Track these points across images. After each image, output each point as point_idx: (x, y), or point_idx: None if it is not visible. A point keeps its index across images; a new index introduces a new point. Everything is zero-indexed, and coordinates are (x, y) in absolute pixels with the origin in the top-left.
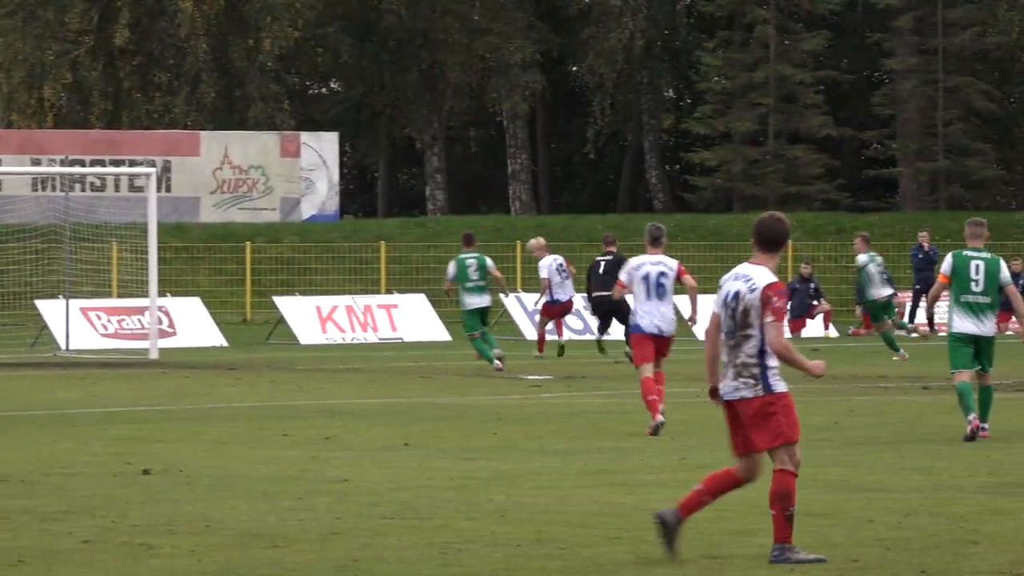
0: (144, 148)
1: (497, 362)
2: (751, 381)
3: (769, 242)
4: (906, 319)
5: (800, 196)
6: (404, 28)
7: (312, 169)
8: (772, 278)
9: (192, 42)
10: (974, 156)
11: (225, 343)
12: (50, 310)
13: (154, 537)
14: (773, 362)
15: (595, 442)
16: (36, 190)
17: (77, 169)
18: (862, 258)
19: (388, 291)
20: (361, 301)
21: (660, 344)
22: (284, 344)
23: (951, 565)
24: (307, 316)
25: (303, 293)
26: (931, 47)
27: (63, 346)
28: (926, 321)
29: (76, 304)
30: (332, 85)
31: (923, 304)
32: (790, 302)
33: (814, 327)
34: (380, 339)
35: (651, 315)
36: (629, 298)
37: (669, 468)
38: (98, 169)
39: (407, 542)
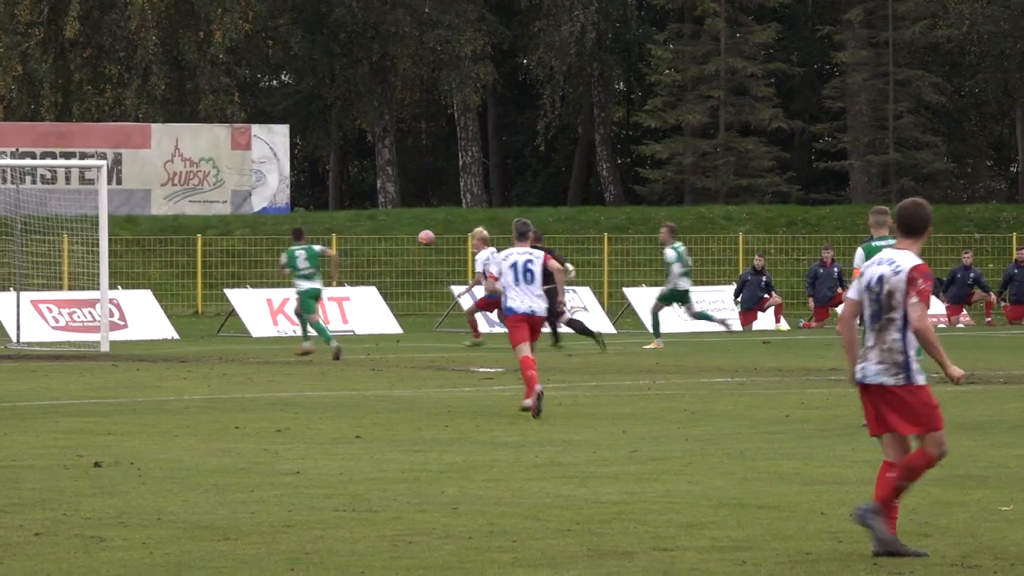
0: (95, 140)
1: (307, 344)
2: (894, 369)
3: (912, 227)
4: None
5: (751, 189)
6: (355, 20)
7: (263, 161)
8: (917, 261)
9: (142, 34)
10: (925, 149)
11: (176, 335)
12: (1, 303)
13: (105, 530)
14: (916, 352)
15: (546, 435)
16: None
17: (28, 162)
18: (670, 252)
19: (339, 284)
20: None
21: (533, 323)
22: (235, 336)
23: (903, 558)
24: (258, 308)
25: (254, 286)
26: (881, 40)
27: (14, 339)
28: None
29: (27, 296)
30: (283, 77)
31: None
32: (740, 295)
33: (765, 320)
34: (331, 331)
35: (522, 298)
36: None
37: (620, 461)
38: (49, 162)
39: (359, 534)
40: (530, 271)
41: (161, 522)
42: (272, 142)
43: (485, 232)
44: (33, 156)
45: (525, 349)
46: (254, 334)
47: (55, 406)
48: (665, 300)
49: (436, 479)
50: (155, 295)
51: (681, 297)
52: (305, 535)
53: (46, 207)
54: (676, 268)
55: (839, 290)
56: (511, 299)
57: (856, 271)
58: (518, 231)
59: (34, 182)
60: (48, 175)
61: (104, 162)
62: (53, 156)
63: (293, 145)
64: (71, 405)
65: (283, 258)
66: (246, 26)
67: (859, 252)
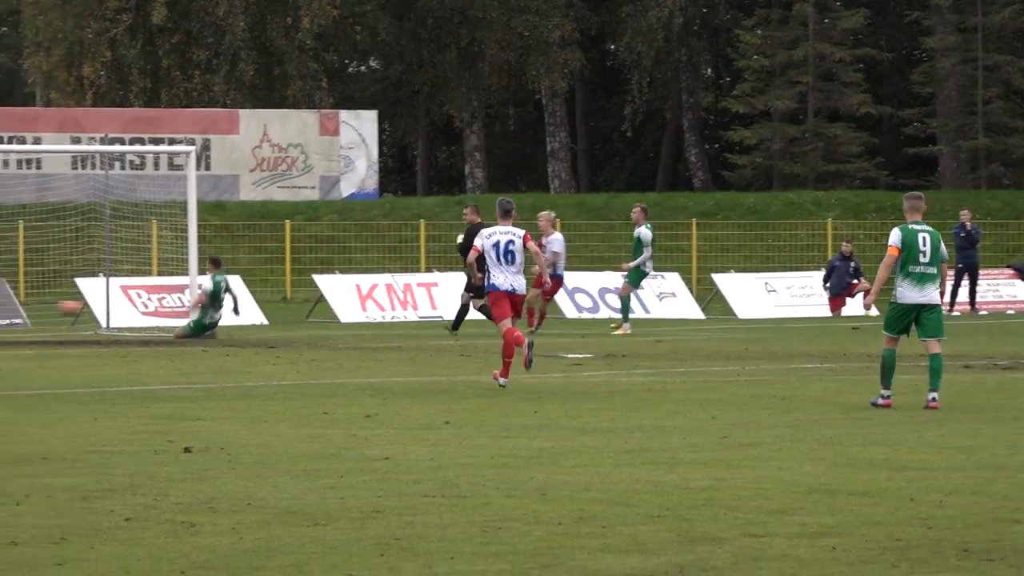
0: (183, 126)
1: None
2: None
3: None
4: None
5: (839, 174)
6: (442, 6)
7: (351, 147)
8: None
9: (230, 20)
10: (1014, 134)
11: (265, 321)
12: (91, 288)
13: (196, 515)
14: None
15: (636, 420)
16: (76, 168)
17: (116, 148)
18: (646, 233)
19: (428, 269)
20: (401, 279)
21: (514, 300)
22: (324, 322)
23: (994, 543)
24: (347, 294)
25: (343, 271)
26: (970, 25)
27: (104, 324)
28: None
29: (116, 282)
30: (371, 63)
31: (965, 283)
32: (829, 281)
33: (854, 305)
34: (420, 317)
35: (504, 275)
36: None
37: (709, 447)
38: (137, 148)
39: (448, 520)
40: (511, 252)
41: (251, 507)
42: (360, 128)
43: (552, 215)
44: (122, 142)
45: (508, 323)
46: (343, 320)
47: (145, 392)
48: (635, 282)
49: (525, 465)
50: (244, 280)
51: (640, 277)
52: (394, 521)
53: (135, 193)
54: (648, 251)
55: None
56: (494, 276)
57: (893, 249)
58: (502, 209)
59: (123, 168)
60: (137, 161)
61: (193, 148)
62: (142, 142)
63: (381, 131)
64: (161, 391)
65: (208, 285)
66: (334, 12)
67: (896, 232)
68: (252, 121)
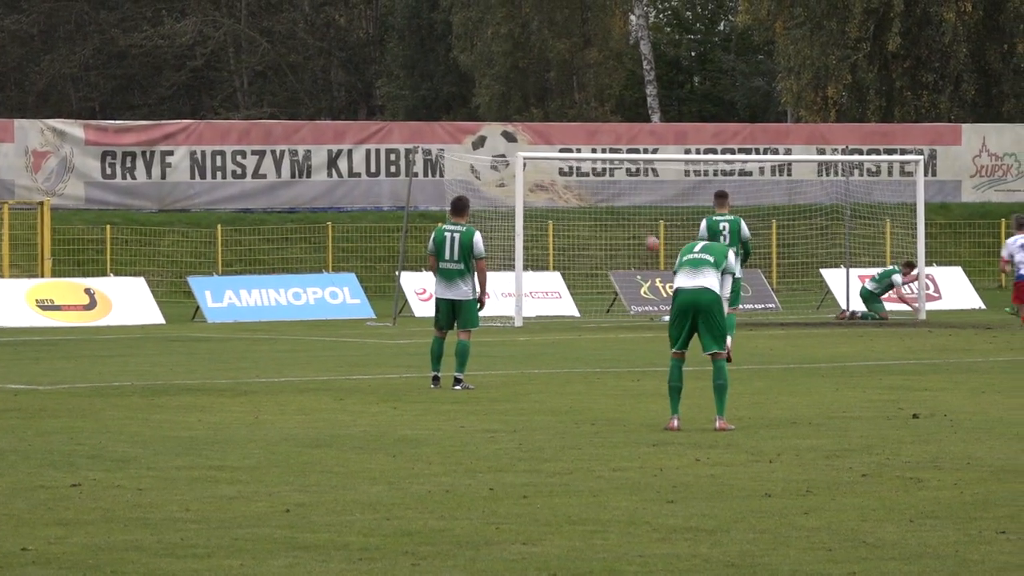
0: (913, 138)
1: None
2: None
3: None
4: None
5: None
6: None
7: None
8: None
9: (955, 47)
10: None
11: (983, 306)
12: (832, 278)
13: (922, 472)
14: None
15: None
16: (821, 175)
17: (855, 157)
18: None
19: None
20: None
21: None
22: None
23: None
24: None
25: None
26: None
27: (846, 308)
28: None
29: (855, 272)
30: None
31: None
32: None
33: None
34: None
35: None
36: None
37: None
38: (873, 157)
39: None
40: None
41: (970, 466)
42: None
43: None
44: (860, 152)
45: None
46: None
47: (878, 366)
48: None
49: None
50: (965, 271)
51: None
52: None
53: (871, 196)
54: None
55: None
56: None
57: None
58: (453, 207)
59: (861, 175)
60: (873, 168)
61: (921, 157)
62: (877, 152)
63: None
64: (892, 365)
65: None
66: None
67: None
68: (972, 134)
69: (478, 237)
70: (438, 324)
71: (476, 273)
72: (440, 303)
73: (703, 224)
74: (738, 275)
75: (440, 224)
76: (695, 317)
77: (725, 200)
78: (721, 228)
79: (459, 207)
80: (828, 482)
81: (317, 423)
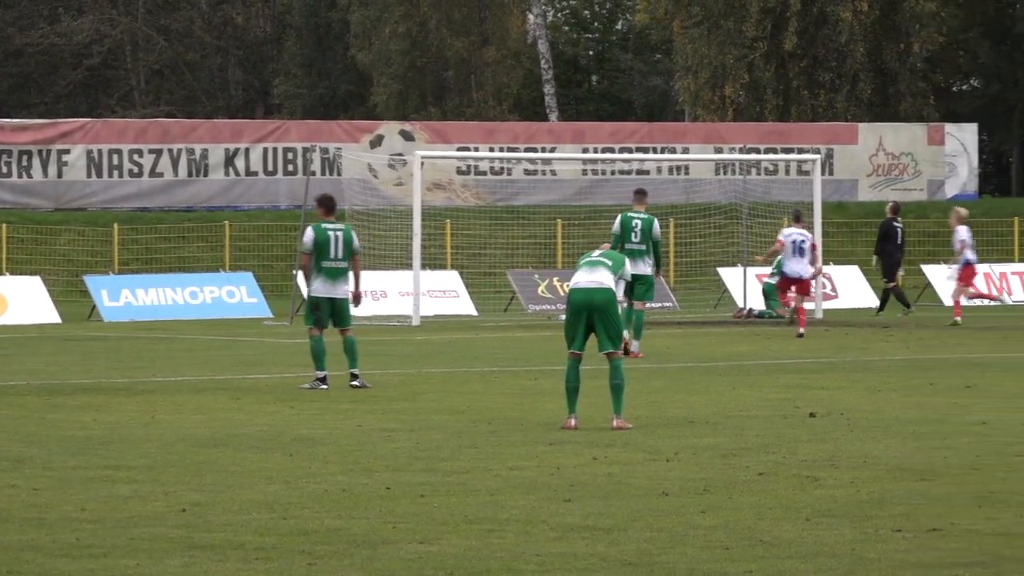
0: (809, 138)
1: None
2: None
3: None
4: None
5: None
6: None
7: (954, 155)
8: None
9: (851, 46)
10: None
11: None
12: (729, 277)
13: (819, 470)
14: None
15: None
16: (718, 174)
17: (753, 156)
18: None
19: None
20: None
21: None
22: (929, 306)
23: None
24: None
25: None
26: None
27: (743, 306)
28: None
29: (752, 272)
30: (972, 83)
31: None
32: None
33: None
34: (1013, 302)
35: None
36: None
37: None
38: (770, 156)
39: None
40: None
41: (866, 464)
42: (962, 139)
43: (963, 212)
44: (757, 151)
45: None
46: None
47: (774, 365)
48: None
49: None
50: (861, 270)
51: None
52: (990, 477)
53: (769, 195)
54: None
55: None
56: None
57: None
58: (324, 206)
59: (758, 174)
60: (770, 167)
61: (818, 156)
62: (774, 151)
63: (980, 141)
64: (788, 364)
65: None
66: (940, 38)
67: None
68: (869, 133)
69: (355, 234)
70: (319, 323)
71: (353, 270)
72: (322, 302)
73: (617, 220)
74: (648, 272)
75: (317, 223)
76: (590, 316)
77: (643, 198)
78: (634, 225)
79: (333, 205)
80: (725, 481)
81: (214, 422)
